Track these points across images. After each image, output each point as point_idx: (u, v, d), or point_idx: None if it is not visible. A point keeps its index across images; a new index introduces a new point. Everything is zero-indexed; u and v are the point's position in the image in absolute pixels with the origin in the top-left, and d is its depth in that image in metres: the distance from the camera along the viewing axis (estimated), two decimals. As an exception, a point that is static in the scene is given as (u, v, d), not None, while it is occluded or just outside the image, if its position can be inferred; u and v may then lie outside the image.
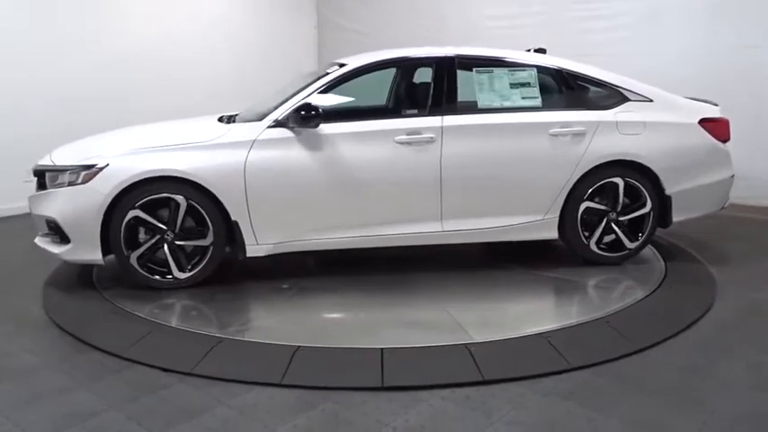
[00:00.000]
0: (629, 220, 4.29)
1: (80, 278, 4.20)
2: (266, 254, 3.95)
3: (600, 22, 6.59)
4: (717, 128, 4.32)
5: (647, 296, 3.83)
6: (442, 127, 3.96)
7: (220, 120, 4.27)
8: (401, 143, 3.93)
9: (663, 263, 4.43)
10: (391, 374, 2.85)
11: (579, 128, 4.09)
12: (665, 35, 6.29)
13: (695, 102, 4.50)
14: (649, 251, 4.53)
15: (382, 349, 3.05)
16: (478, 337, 3.20)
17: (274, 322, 3.57)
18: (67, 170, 3.79)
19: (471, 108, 4.11)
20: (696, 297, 3.85)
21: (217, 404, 2.66)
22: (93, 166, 3.75)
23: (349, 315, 3.75)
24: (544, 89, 4.26)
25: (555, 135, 4.06)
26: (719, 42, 5.98)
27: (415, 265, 4.37)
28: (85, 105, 6.27)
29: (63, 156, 3.96)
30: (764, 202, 5.74)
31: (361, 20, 8.13)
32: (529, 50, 4.63)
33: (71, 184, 3.76)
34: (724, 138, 4.35)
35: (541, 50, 4.67)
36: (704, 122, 4.28)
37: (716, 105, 4.53)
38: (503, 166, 4.05)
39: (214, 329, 3.38)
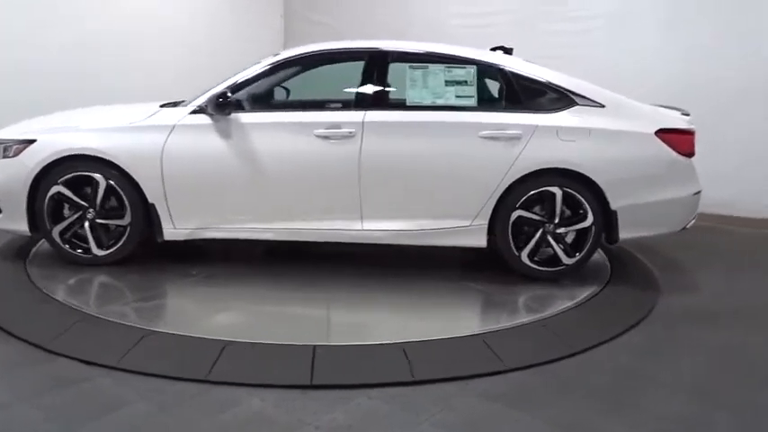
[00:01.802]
0: (575, 233, 4.00)
1: (13, 265, 4.08)
2: (185, 238, 3.99)
3: (570, 23, 6.34)
4: (678, 140, 3.91)
5: (587, 299, 3.76)
6: (363, 122, 3.83)
7: (164, 106, 4.34)
8: (320, 137, 3.84)
9: (608, 266, 4.35)
10: (321, 372, 2.76)
11: (514, 131, 3.83)
12: (638, 37, 6.08)
13: (660, 110, 4.10)
14: (597, 254, 4.22)
15: (315, 346, 2.96)
16: (411, 336, 3.11)
17: (203, 313, 3.52)
18: (3, 144, 3.98)
19: (400, 105, 3.95)
20: (637, 301, 3.81)
21: (138, 399, 2.53)
22: (25, 141, 3.92)
23: (281, 309, 3.66)
24: (483, 89, 4.03)
25: (486, 137, 3.82)
26: (695, 43, 5.80)
27: (348, 262, 4.29)
28: (59, 83, 6.14)
29: (9, 130, 4.16)
30: (716, 210, 5.45)
31: (329, 12, 8.08)
32: (494, 49, 4.39)
33: (5, 156, 3.95)
34: (686, 151, 3.94)
35: (507, 50, 4.41)
36: (662, 133, 3.89)
37: (686, 115, 4.11)
38: (427, 167, 3.86)
39: (144, 322, 3.22)
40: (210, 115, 3.86)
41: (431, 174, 3.87)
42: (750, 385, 2.82)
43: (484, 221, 3.92)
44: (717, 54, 5.74)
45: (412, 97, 3.94)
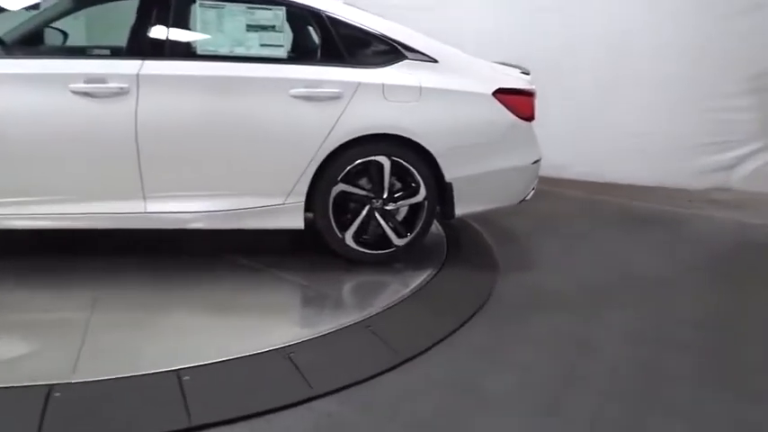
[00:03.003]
0: (408, 209, 3.46)
1: None
2: None
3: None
4: (518, 101, 3.46)
5: (420, 288, 3.25)
6: (138, 75, 2.96)
7: None
8: (78, 93, 2.91)
9: (444, 242, 3.92)
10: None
11: (331, 89, 3.16)
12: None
13: (499, 67, 3.63)
14: (433, 228, 3.70)
15: (50, 388, 2.11)
16: (192, 358, 2.36)
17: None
18: None
19: (189, 54, 3.12)
20: (475, 285, 3.37)
21: None
22: None
23: (22, 325, 2.70)
24: (296, 37, 3.32)
25: (298, 96, 3.11)
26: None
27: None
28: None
29: None
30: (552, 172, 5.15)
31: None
32: None
33: None
34: (527, 114, 3.50)
35: None
36: (501, 94, 3.41)
37: (526, 74, 3.68)
38: (224, 133, 3.10)
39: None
40: None
41: (230, 141, 3.11)
42: (608, 392, 2.41)
43: (300, 198, 3.25)
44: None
45: (204, 44, 3.13)
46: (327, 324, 2.76)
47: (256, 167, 3.18)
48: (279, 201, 3.23)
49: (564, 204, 5.19)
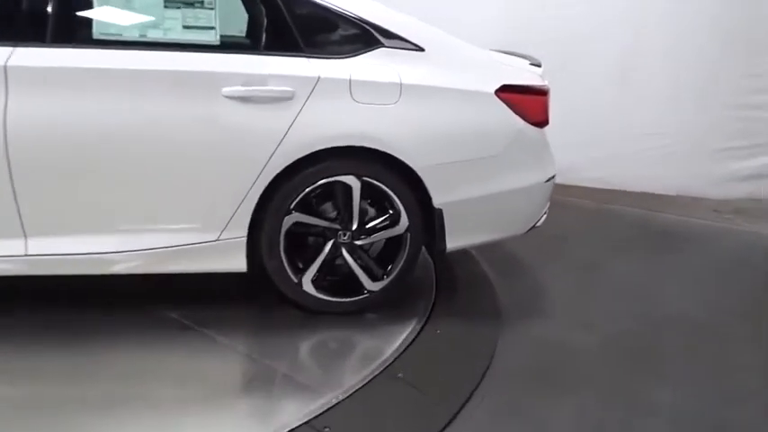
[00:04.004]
0: (385, 243, 2.66)
1: None
2: None
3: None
4: (528, 102, 2.66)
5: (400, 354, 2.39)
6: (5, 66, 2.12)
7: None
8: None
9: (433, 279, 3.08)
10: None
11: (281, 86, 2.33)
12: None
13: (503, 57, 2.82)
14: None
15: None
16: None
17: None
18: None
19: (79, 38, 2.27)
20: (472, 350, 2.56)
21: None
22: None
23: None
24: (233, 17, 2.47)
25: (234, 96, 2.28)
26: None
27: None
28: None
29: None
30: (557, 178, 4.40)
31: None
32: None
33: None
34: (538, 118, 2.71)
35: None
36: (507, 92, 2.60)
37: (537, 66, 2.87)
38: (131, 147, 2.27)
39: None
40: None
41: (139, 158, 2.29)
42: None
43: (240, 233, 2.43)
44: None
45: (102, 26, 2.29)
46: (267, 426, 1.94)
47: (177, 193, 2.36)
48: (211, 237, 2.41)
49: (574, 219, 4.39)
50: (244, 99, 2.29)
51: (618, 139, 5.03)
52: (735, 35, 4.57)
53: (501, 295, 3.04)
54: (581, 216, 4.49)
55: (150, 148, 2.27)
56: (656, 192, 5.02)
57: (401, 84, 2.44)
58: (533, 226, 2.87)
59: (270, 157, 2.34)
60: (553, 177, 2.84)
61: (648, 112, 4.96)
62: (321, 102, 2.36)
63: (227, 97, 2.28)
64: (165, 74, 2.25)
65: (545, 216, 2.93)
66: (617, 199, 4.94)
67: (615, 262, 3.65)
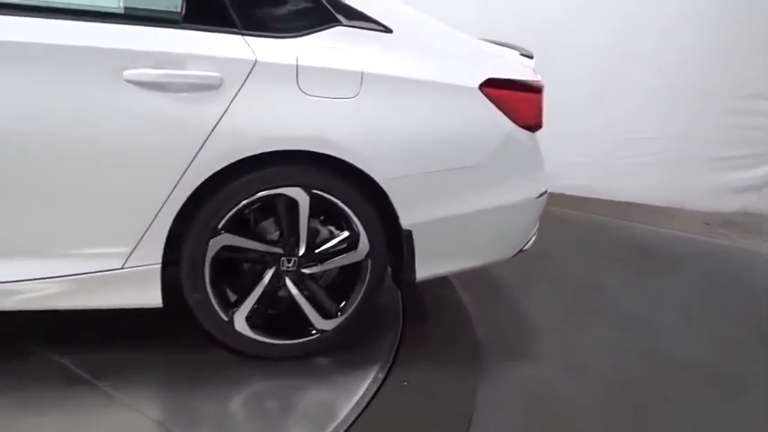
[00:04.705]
0: (340, 271, 2.13)
1: None
2: None
3: None
4: (519, 100, 2.16)
5: (357, 417, 1.90)
6: None
7: None
8: None
9: (399, 308, 2.58)
10: None
11: (204, 71, 1.78)
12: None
13: (488, 46, 2.32)
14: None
15: None
16: None
17: None
18: None
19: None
20: (445, 407, 2.04)
21: None
22: None
23: None
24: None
25: (140, 82, 1.73)
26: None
27: None
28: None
29: None
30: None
31: None
32: None
33: None
34: (531, 120, 2.21)
35: None
36: (493, 87, 2.10)
37: (528, 57, 2.37)
38: (5, 146, 1.69)
39: None
40: None
41: (12, 160, 1.71)
42: None
43: (151, 260, 1.88)
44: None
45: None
46: None
47: (63, 208, 1.80)
48: (113, 264, 1.86)
49: (558, 232, 3.91)
50: (153, 86, 1.74)
51: (602, 144, 4.60)
52: (737, 33, 4.15)
53: (479, 328, 2.57)
54: (566, 229, 4.04)
55: (25, 148, 1.70)
56: (644, 202, 4.60)
57: (362, 72, 1.92)
58: (521, 250, 2.39)
59: (189, 164, 1.80)
60: (545, 193, 2.35)
61: (636, 114, 4.53)
62: (258, 92, 1.83)
63: (130, 83, 1.72)
64: (48, 49, 1.68)
65: (534, 237, 2.44)
66: (602, 209, 4.51)
67: (606, 284, 3.20)
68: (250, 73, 1.82)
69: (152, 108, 1.75)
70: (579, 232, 4.08)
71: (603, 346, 2.56)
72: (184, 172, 1.81)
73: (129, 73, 1.72)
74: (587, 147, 4.61)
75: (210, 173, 1.83)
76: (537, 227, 2.45)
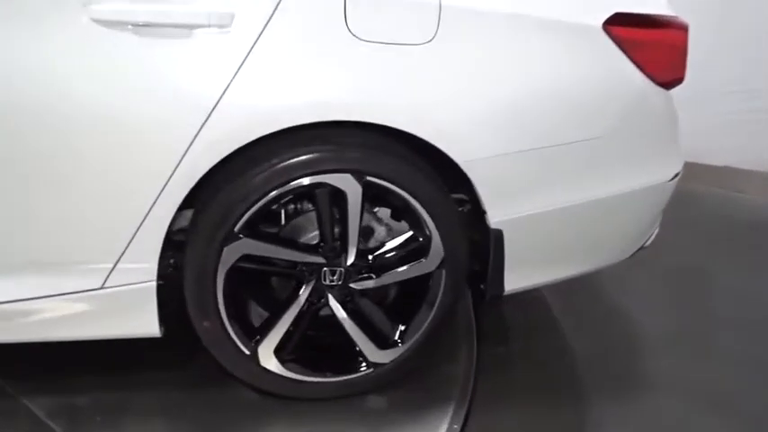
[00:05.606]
0: (400, 287, 1.56)
1: None
2: None
3: None
4: (656, 44, 1.51)
5: None
6: None
7: None
8: None
9: (473, 327, 1.95)
10: None
11: (207, 4, 1.19)
12: None
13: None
14: None
15: None
16: None
17: None
18: None
19: None
20: None
21: None
22: None
23: None
24: None
25: (112, 22, 1.15)
26: None
27: None
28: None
29: None
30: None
31: None
32: None
33: None
34: (670, 75, 1.57)
35: None
36: (623, 26, 1.45)
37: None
38: None
39: None
40: None
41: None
42: None
43: (142, 276, 1.34)
44: None
45: None
46: None
47: (12, 205, 1.26)
48: (90, 283, 1.32)
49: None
50: (131, 28, 1.16)
51: (694, 98, 3.87)
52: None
53: (574, 344, 1.98)
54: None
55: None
56: (743, 167, 3.91)
57: (440, 5, 1.30)
58: (642, 246, 1.78)
59: (191, 143, 1.23)
60: (678, 174, 1.72)
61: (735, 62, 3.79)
62: (288, 36, 1.23)
63: (98, 23, 1.15)
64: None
65: (657, 231, 1.83)
66: (697, 175, 3.82)
67: (717, 277, 2.56)
68: (277, 7, 1.22)
69: (129, 59, 1.18)
70: (674, 205, 3.41)
71: (733, 363, 1.94)
72: (182, 157, 1.25)
73: (97, 9, 1.14)
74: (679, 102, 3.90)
75: (221, 157, 1.26)
76: (660, 219, 1.83)
